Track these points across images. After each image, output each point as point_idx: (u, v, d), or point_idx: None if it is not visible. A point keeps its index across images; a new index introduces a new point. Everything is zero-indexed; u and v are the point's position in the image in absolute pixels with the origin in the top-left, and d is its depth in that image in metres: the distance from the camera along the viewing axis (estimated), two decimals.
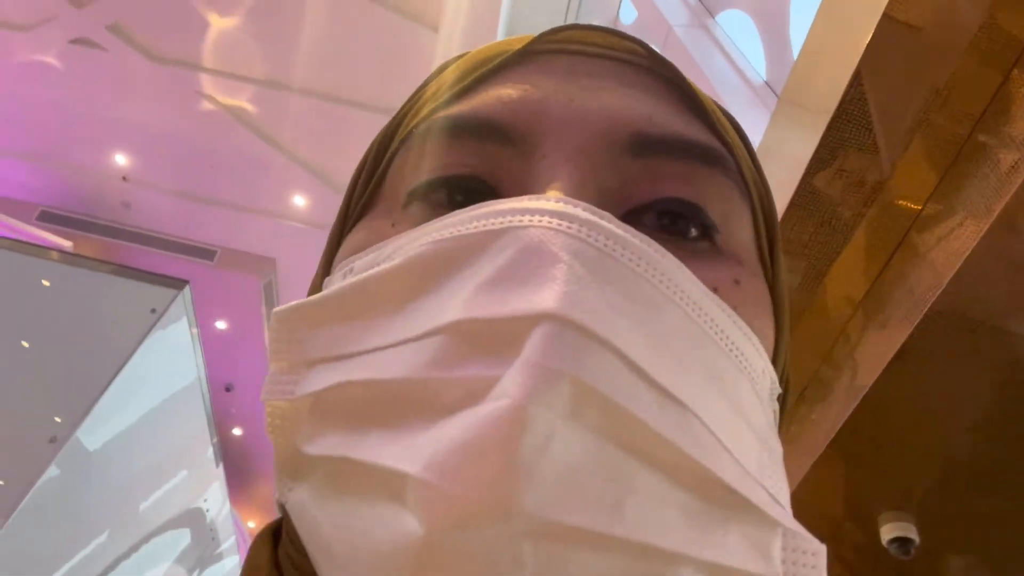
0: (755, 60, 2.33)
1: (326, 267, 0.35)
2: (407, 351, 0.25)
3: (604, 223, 0.26)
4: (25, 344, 3.39)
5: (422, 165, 0.32)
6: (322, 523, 0.25)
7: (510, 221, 0.26)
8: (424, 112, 0.34)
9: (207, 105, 4.58)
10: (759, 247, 0.34)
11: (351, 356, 0.27)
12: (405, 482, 0.21)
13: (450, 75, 0.35)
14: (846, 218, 1.27)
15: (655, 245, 0.26)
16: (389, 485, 0.22)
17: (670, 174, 0.30)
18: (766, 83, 2.21)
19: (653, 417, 0.23)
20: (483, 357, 0.23)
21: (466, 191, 0.30)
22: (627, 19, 3.22)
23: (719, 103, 0.37)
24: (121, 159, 5.10)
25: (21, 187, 5.39)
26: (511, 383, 0.21)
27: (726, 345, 0.27)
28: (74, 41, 4.28)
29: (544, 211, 0.25)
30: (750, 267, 0.32)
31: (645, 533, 0.21)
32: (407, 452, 0.22)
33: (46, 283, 3.58)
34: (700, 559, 0.22)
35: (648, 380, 0.23)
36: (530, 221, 0.25)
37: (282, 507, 0.29)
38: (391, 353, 0.25)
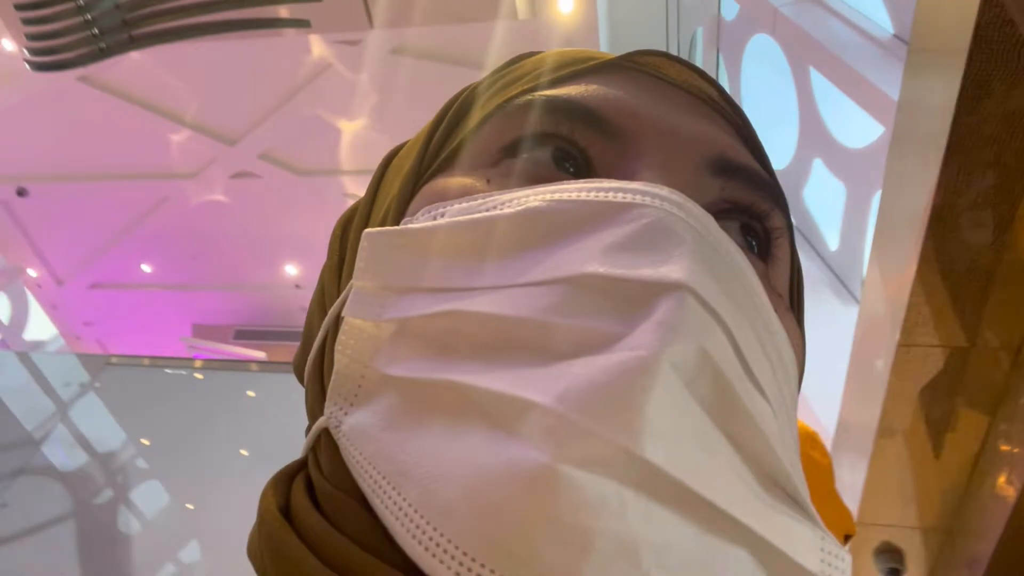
0: (877, 16, 2.19)
1: (397, 211, 0.33)
2: (524, 294, 0.25)
3: (711, 222, 0.27)
4: (244, 453, 3.74)
5: (517, 128, 0.32)
6: (395, 446, 0.25)
7: (633, 198, 0.26)
8: (519, 88, 0.34)
9: (351, 202, 4.92)
10: (791, 289, 0.35)
11: (458, 290, 0.27)
12: (529, 411, 0.22)
13: (550, 61, 0.36)
14: (1018, 152, 1.15)
15: (743, 256, 0.28)
16: (493, 413, 0.23)
17: (743, 200, 0.32)
18: (895, 36, 2.06)
19: (751, 401, 0.24)
20: (607, 312, 0.24)
21: (568, 157, 0.31)
22: (729, 14, 3.13)
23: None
24: (292, 269, 5.58)
25: (215, 313, 6.03)
26: (646, 337, 0.22)
27: (783, 359, 0.29)
28: (235, 176, 4.78)
29: (664, 197, 0.26)
30: (787, 304, 0.34)
31: (726, 502, 0.23)
32: (529, 382, 0.22)
33: (251, 393, 3.94)
34: (765, 539, 0.23)
35: (746, 366, 0.25)
36: (652, 201, 0.26)
37: (322, 434, 0.28)
38: (510, 293, 0.25)
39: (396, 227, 0.30)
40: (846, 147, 2.39)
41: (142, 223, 5.17)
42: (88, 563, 2.37)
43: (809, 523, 0.26)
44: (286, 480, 0.30)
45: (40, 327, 6.02)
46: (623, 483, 0.21)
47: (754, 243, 0.32)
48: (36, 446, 2.46)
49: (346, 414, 0.27)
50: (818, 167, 2.60)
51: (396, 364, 0.27)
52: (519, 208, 0.27)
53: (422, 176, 0.34)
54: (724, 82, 3.32)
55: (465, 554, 0.21)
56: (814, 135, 2.57)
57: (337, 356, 0.29)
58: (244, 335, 6.01)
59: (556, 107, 0.32)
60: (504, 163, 0.32)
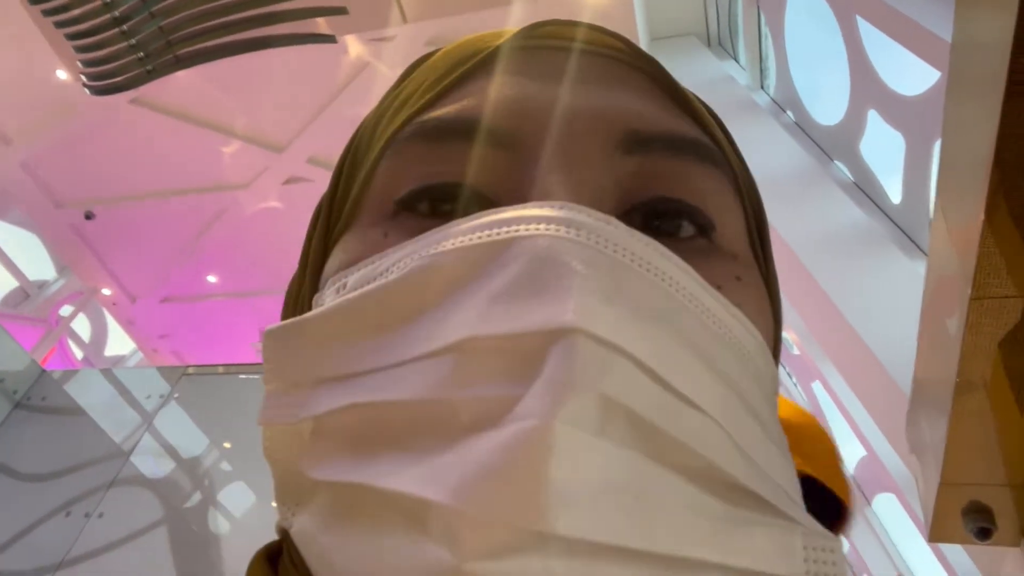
0: None
1: (312, 279, 0.33)
2: (417, 370, 0.23)
3: (611, 228, 0.25)
4: None
5: (407, 172, 0.30)
6: (331, 551, 0.24)
7: (516, 231, 0.24)
8: (404, 114, 0.32)
9: None
10: (751, 241, 0.33)
11: (355, 376, 0.25)
12: (429, 510, 0.21)
13: (428, 73, 0.33)
14: None
15: (660, 248, 0.26)
16: (408, 512, 0.22)
17: (663, 172, 0.30)
18: None
19: (677, 427, 0.22)
20: (500, 375, 0.22)
21: (454, 199, 0.29)
22: None
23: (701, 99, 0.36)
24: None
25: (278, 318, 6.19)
26: (535, 402, 0.20)
27: (734, 345, 0.27)
28: (286, 182, 4.89)
29: (551, 219, 0.24)
30: (746, 262, 0.31)
31: (674, 544, 0.21)
32: (428, 478, 0.21)
33: None
34: (727, 565, 0.22)
35: (668, 388, 0.23)
36: (536, 230, 0.24)
37: (284, 532, 0.27)
38: (399, 372, 0.24)
39: (292, 320, 0.28)
40: (901, 96, 2.30)
41: (203, 235, 5.34)
42: (183, 565, 2.49)
43: (784, 523, 0.24)
44: (267, 561, 0.30)
45: (119, 343, 6.30)
46: (548, 558, 0.20)
47: (683, 222, 0.30)
48: (126, 457, 2.59)
49: (293, 515, 0.27)
50: (873, 118, 2.51)
51: (319, 467, 0.25)
52: (402, 271, 0.26)
53: (332, 230, 0.33)
54: (768, 42, 3.23)
55: None
56: (867, 86, 2.48)
57: (270, 461, 0.28)
58: None
59: (437, 134, 0.30)
60: (401, 215, 0.30)
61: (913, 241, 2.34)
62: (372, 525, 0.23)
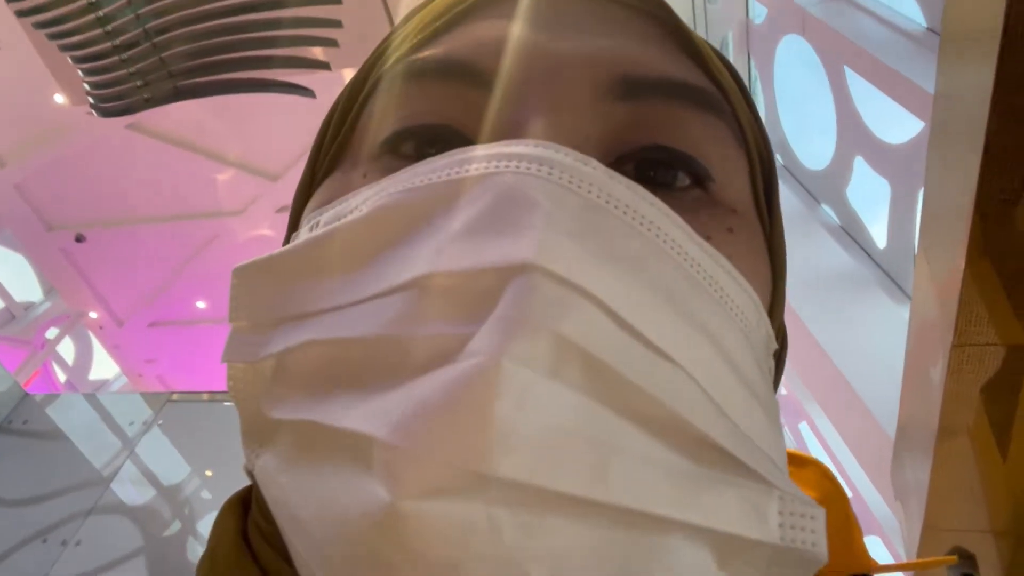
0: (908, 10, 2.16)
1: (294, 221, 0.33)
2: (374, 307, 0.23)
3: (588, 169, 0.24)
4: None
5: (392, 114, 0.29)
6: (288, 489, 0.23)
7: (485, 167, 0.24)
8: (395, 56, 0.31)
9: None
10: (755, 196, 0.31)
11: (316, 314, 0.25)
12: (372, 447, 0.20)
13: (424, 16, 0.32)
14: None
15: (643, 192, 0.24)
16: (355, 449, 0.21)
17: (659, 119, 0.28)
18: (928, 29, 2.03)
19: (640, 374, 0.21)
20: (456, 313, 0.21)
21: (437, 141, 0.28)
22: (758, 18, 3.12)
23: (713, 46, 0.34)
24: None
25: None
26: (484, 340, 0.19)
27: (719, 296, 0.25)
28: (279, 210, 4.90)
29: (522, 156, 0.23)
30: (746, 216, 0.30)
31: (631, 497, 0.20)
32: (373, 414, 0.20)
33: None
34: (690, 523, 0.21)
35: (635, 334, 0.21)
36: (506, 167, 0.23)
37: (250, 473, 0.27)
38: (357, 310, 0.23)
39: (259, 258, 0.28)
40: (886, 143, 2.35)
41: (194, 261, 5.33)
42: None
43: (759, 486, 0.22)
44: (241, 505, 0.30)
45: (103, 367, 6.24)
46: (491, 504, 0.19)
47: (678, 172, 0.28)
48: (106, 484, 2.55)
49: (257, 456, 0.26)
50: (860, 165, 2.56)
51: (279, 406, 0.25)
52: (369, 208, 0.25)
53: (316, 177, 0.33)
54: (757, 86, 3.30)
55: None
56: (853, 133, 2.53)
57: (235, 401, 0.28)
58: None
59: (424, 74, 0.29)
60: (385, 157, 0.29)
61: (898, 285, 2.37)
62: (324, 463, 0.22)
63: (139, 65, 3.47)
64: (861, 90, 2.38)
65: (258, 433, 0.27)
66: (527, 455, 0.19)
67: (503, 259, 0.21)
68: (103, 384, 6.31)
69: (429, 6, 0.33)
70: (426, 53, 0.29)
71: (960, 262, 1.29)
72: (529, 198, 0.22)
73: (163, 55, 3.43)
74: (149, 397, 3.00)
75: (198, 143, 4.51)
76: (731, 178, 0.29)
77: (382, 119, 0.30)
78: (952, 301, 1.31)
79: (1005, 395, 1.40)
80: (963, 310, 1.29)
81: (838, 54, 2.36)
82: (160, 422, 2.88)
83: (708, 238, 0.26)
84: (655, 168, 0.28)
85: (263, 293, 0.27)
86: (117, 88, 3.60)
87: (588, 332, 0.20)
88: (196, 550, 2.67)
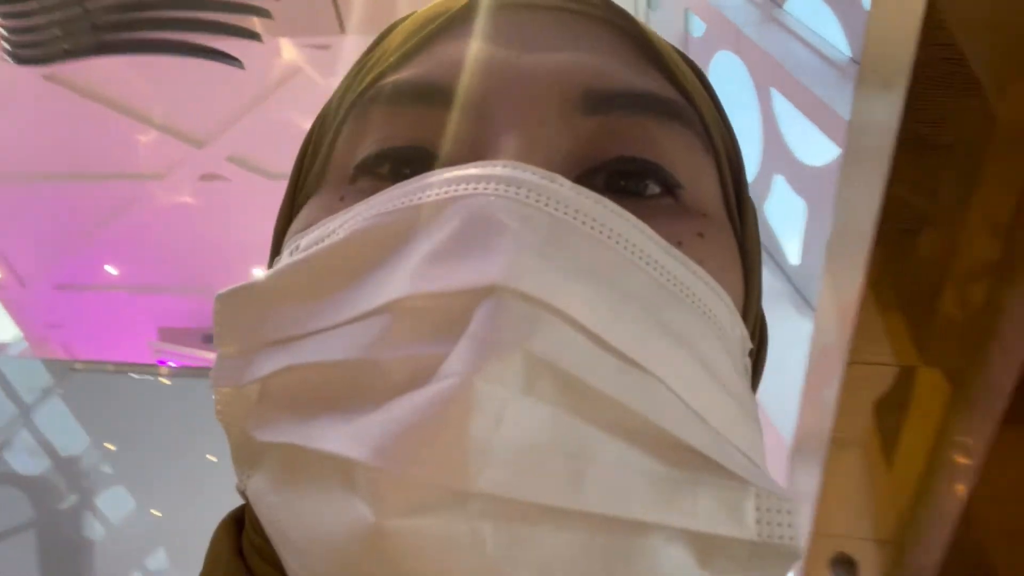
0: (835, 39, 2.26)
1: (276, 247, 0.34)
2: (352, 331, 0.24)
3: (555, 186, 0.24)
4: (212, 459, 3.71)
5: (368, 137, 0.30)
6: (278, 509, 0.24)
7: (455, 190, 0.24)
8: (369, 78, 0.32)
9: None
10: (726, 199, 0.32)
11: (297, 339, 0.26)
12: (355, 469, 0.21)
13: (396, 37, 0.33)
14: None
15: (611, 205, 0.25)
16: (339, 471, 0.22)
17: (625, 131, 0.29)
18: (852, 60, 2.13)
19: (612, 385, 0.22)
20: (430, 335, 0.22)
21: (412, 162, 0.29)
22: (696, 32, 3.20)
23: (678, 49, 0.35)
24: (260, 273, 5.53)
25: (184, 316, 5.96)
26: (457, 360, 0.20)
27: (691, 302, 0.26)
28: (203, 177, 4.75)
29: (491, 177, 0.24)
30: (716, 219, 0.31)
31: (609, 504, 0.21)
32: (354, 437, 0.21)
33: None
34: (669, 526, 0.21)
35: (606, 347, 0.22)
36: (475, 189, 0.24)
37: (243, 494, 0.28)
38: (337, 334, 0.24)
39: (242, 284, 0.29)
40: (806, 165, 2.45)
41: (109, 223, 5.10)
42: (52, 571, 2.35)
43: (734, 484, 0.23)
44: (235, 523, 0.31)
45: (3, 329, 5.91)
46: (472, 519, 0.20)
47: (647, 182, 0.29)
48: None
49: (248, 477, 0.27)
50: (779, 183, 2.66)
51: (263, 429, 0.26)
52: (345, 233, 0.26)
53: (296, 200, 0.34)
54: None
55: None
56: (775, 152, 2.63)
57: (223, 424, 0.29)
58: (212, 339, 5.94)
59: (396, 98, 0.30)
60: (360, 180, 0.30)
61: (807, 301, 2.48)
62: (310, 485, 0.23)
63: (60, 13, 3.30)
64: (785, 111, 2.48)
65: (247, 455, 0.27)
66: (504, 469, 0.19)
67: (473, 281, 0.21)
68: (1, 348, 5.98)
69: (399, 27, 0.34)
70: (397, 76, 0.30)
71: (861, 284, 1.36)
72: (496, 220, 0.23)
73: (86, 5, 3.26)
74: (51, 364, 2.87)
75: (121, 100, 4.32)
76: (700, 183, 0.30)
77: (358, 142, 0.30)
78: (850, 320, 1.39)
79: (895, 412, 1.50)
80: (860, 330, 1.37)
81: (766, 75, 2.45)
82: (61, 391, 2.76)
83: (679, 244, 0.27)
84: (625, 178, 0.29)
85: (246, 318, 0.28)
86: (34, 35, 3.41)
87: (558, 347, 0.21)
88: (93, 525, 2.58)
